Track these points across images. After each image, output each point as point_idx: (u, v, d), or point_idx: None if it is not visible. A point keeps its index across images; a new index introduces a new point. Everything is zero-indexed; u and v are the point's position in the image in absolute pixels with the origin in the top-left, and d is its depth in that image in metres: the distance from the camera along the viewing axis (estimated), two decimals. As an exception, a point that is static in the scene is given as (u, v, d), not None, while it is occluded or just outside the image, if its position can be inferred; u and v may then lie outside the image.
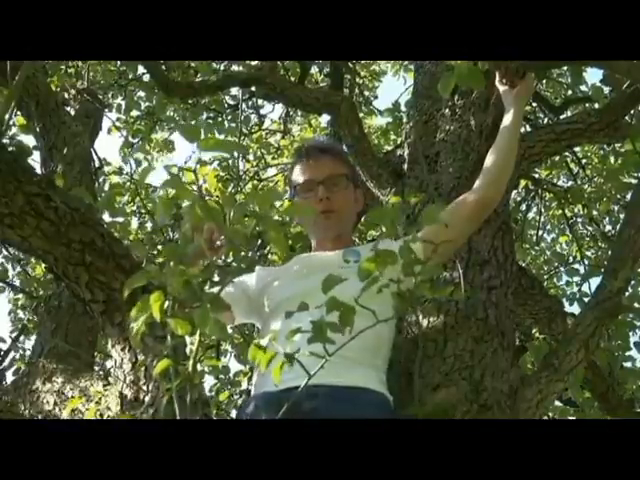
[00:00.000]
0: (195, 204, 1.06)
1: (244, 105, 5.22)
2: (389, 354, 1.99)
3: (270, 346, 1.19)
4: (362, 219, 4.25)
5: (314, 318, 1.17)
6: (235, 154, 4.53)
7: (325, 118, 5.65)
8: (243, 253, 1.13)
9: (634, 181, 4.14)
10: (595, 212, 5.29)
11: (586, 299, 4.26)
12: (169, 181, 1.09)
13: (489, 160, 2.07)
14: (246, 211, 1.10)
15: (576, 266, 5.23)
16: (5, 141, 1.85)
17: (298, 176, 2.16)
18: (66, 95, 4.54)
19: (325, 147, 2.24)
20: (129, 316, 1.13)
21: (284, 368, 1.19)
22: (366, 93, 6.00)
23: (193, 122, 5.18)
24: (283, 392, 1.52)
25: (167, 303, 1.10)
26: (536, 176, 4.92)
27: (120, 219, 3.84)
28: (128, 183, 5.07)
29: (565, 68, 4.60)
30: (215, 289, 1.12)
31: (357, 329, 1.16)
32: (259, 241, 4.34)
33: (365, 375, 1.84)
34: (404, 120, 3.29)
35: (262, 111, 5.80)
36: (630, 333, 3.57)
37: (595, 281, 4.48)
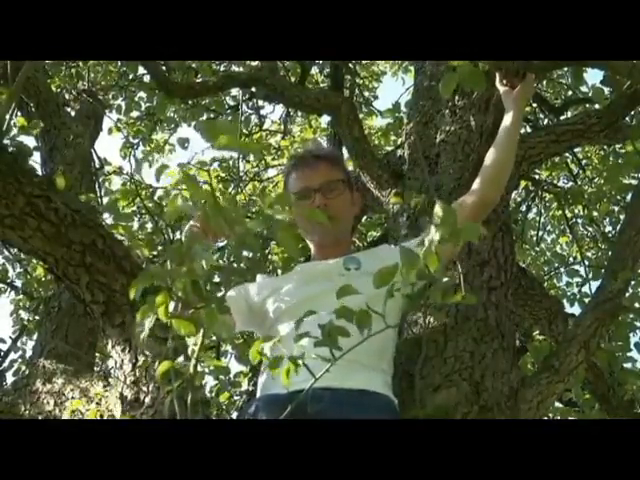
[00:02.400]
0: (207, 203, 1.06)
1: (244, 106, 5.22)
2: (393, 356, 2.00)
3: (277, 350, 1.19)
4: (362, 220, 4.26)
5: (322, 322, 1.17)
6: (235, 155, 4.53)
7: (325, 119, 5.66)
8: (245, 254, 1.13)
9: (634, 182, 4.14)
10: (595, 213, 5.28)
11: (586, 300, 4.26)
12: (183, 180, 1.09)
13: (488, 160, 2.06)
14: (249, 212, 1.10)
15: (576, 267, 5.24)
16: (5, 142, 1.85)
17: (294, 184, 2.14)
18: (67, 96, 4.55)
19: (319, 153, 2.22)
20: (134, 317, 1.13)
21: (292, 371, 1.20)
22: (366, 94, 5.99)
23: (193, 123, 5.18)
24: (289, 395, 1.52)
25: (171, 304, 1.10)
26: (536, 177, 4.92)
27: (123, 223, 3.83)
28: (128, 183, 5.06)
29: (565, 69, 4.59)
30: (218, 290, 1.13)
31: (364, 333, 1.16)
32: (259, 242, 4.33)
33: (371, 378, 1.84)
34: (404, 121, 3.29)
35: (262, 112, 5.80)
36: (630, 334, 3.57)
37: (596, 282, 4.48)
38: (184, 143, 1.29)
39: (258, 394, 1.96)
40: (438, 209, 1.17)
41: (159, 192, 4.85)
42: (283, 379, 1.20)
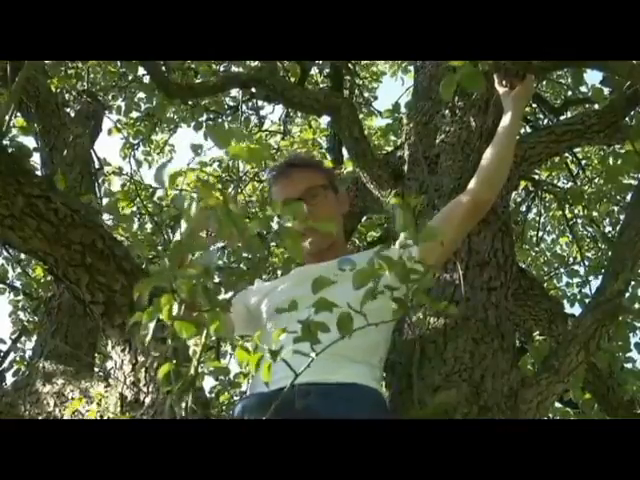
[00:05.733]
0: (218, 209, 1.05)
1: (244, 106, 5.23)
2: (386, 352, 1.99)
3: (259, 348, 1.19)
4: (362, 220, 4.25)
5: (301, 318, 1.17)
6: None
7: (325, 119, 5.66)
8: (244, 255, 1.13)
9: (634, 182, 4.14)
10: (595, 213, 5.29)
11: (586, 300, 4.26)
12: (199, 189, 1.08)
13: (484, 161, 2.06)
14: (249, 212, 1.10)
15: (576, 267, 5.24)
16: (5, 143, 1.85)
17: (275, 197, 2.13)
18: (66, 96, 4.54)
19: (294, 161, 2.22)
20: (139, 319, 1.12)
21: (275, 368, 1.20)
22: (366, 94, 6.00)
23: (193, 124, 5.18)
24: (274, 392, 1.52)
25: (175, 305, 1.10)
26: (536, 177, 4.92)
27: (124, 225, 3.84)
28: (128, 184, 5.07)
29: (565, 69, 4.60)
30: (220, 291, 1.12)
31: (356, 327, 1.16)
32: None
33: (358, 372, 1.85)
34: (404, 121, 3.29)
35: (262, 112, 5.81)
36: (630, 334, 3.57)
37: (595, 282, 4.49)
38: (197, 149, 1.28)
39: (247, 393, 1.98)
40: (398, 216, 1.17)
41: (159, 192, 4.86)
42: (264, 375, 1.20)
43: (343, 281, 1.26)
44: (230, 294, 1.11)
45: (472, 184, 2.05)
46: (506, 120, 2.07)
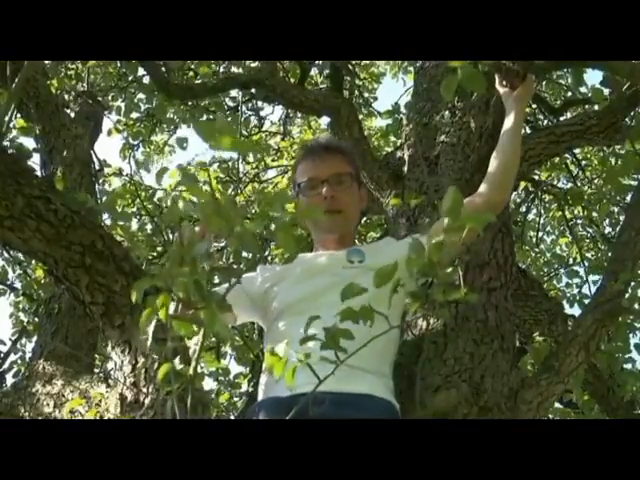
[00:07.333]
0: (206, 203, 1.04)
1: (244, 107, 5.22)
2: (396, 351, 2.00)
3: (283, 351, 1.18)
4: (362, 221, 4.25)
5: (327, 324, 1.16)
6: (235, 156, 4.54)
7: (325, 120, 5.66)
8: (244, 255, 1.12)
9: (634, 183, 4.14)
10: (595, 214, 5.28)
11: (586, 301, 4.26)
12: (183, 180, 1.08)
13: (493, 164, 2.06)
14: (249, 213, 1.09)
15: (576, 268, 5.24)
16: (5, 143, 1.85)
17: (302, 174, 2.14)
18: (66, 97, 4.54)
19: (330, 145, 2.22)
20: (134, 319, 1.12)
21: (296, 373, 1.19)
22: (366, 95, 6.00)
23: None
24: (291, 398, 1.51)
25: (171, 305, 1.09)
26: (536, 178, 4.92)
27: (122, 223, 3.83)
28: (128, 184, 5.07)
29: (565, 69, 4.60)
30: (218, 290, 1.12)
31: (368, 335, 1.15)
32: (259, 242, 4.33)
33: (372, 383, 1.84)
34: (404, 122, 3.29)
35: (262, 113, 5.81)
36: (630, 335, 3.57)
37: (595, 283, 4.49)
38: (183, 143, 1.27)
39: (260, 397, 1.95)
40: (447, 195, 1.13)
41: (159, 193, 4.87)
42: (288, 380, 1.19)
43: (359, 277, 1.25)
44: (224, 286, 1.11)
45: (483, 187, 2.05)
46: (509, 122, 2.07)
